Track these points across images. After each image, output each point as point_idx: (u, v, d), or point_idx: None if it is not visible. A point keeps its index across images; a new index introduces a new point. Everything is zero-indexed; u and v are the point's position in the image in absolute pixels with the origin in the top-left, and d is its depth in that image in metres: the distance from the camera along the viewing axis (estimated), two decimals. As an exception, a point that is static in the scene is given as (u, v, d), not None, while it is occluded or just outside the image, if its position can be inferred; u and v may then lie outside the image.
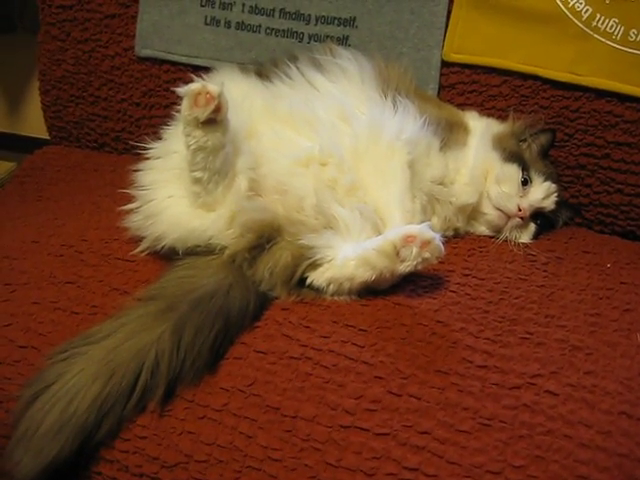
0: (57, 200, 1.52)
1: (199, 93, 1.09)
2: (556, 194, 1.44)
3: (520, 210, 1.38)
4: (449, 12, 1.56)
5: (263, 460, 0.94)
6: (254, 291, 1.12)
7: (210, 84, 1.10)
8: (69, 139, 1.87)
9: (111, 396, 0.97)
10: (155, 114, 1.75)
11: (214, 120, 1.11)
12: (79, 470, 1.00)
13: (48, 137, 1.93)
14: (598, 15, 1.47)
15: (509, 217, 1.39)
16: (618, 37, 1.47)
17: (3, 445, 1.00)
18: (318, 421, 0.95)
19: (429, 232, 1.07)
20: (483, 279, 1.21)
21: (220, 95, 1.10)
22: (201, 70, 1.45)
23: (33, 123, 2.33)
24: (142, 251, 1.24)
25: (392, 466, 0.90)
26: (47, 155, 1.79)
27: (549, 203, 1.44)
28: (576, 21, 1.49)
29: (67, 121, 1.84)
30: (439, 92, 1.59)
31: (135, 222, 1.24)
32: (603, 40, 1.48)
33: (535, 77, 1.54)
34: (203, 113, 1.09)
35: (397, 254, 1.08)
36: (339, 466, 0.92)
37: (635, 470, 0.86)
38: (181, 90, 1.11)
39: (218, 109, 1.10)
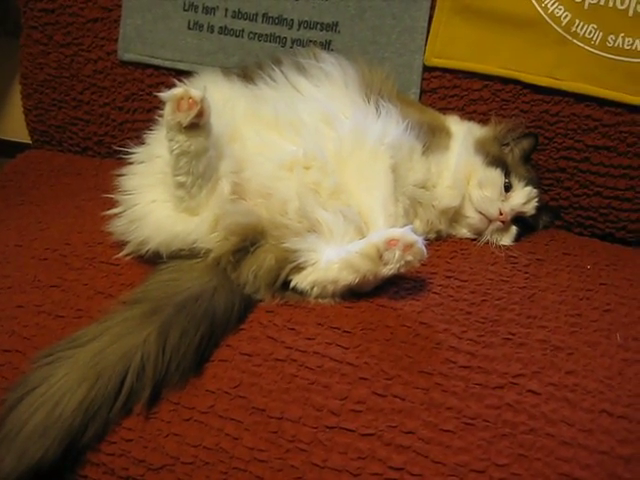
0: (40, 204, 1.52)
1: (182, 98, 1.09)
2: (537, 199, 1.46)
3: (502, 214, 1.40)
4: (430, 17, 1.58)
5: (249, 461, 0.95)
6: (239, 294, 1.12)
7: (192, 89, 1.11)
8: (51, 143, 1.86)
9: (97, 399, 0.97)
10: (138, 118, 1.75)
11: (197, 125, 1.12)
12: (65, 473, 1.00)
13: (30, 141, 1.92)
14: (577, 21, 1.49)
15: (490, 221, 1.41)
16: (597, 42, 1.49)
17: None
18: (304, 422, 0.96)
19: (412, 235, 1.08)
20: (465, 281, 1.22)
21: (203, 100, 1.10)
22: (184, 74, 1.45)
23: (14, 127, 2.32)
24: (126, 255, 1.23)
25: (377, 466, 0.91)
26: (29, 159, 1.79)
27: (530, 208, 1.45)
28: (555, 26, 1.51)
29: (49, 125, 1.83)
30: (421, 96, 1.61)
31: (119, 226, 1.24)
32: (582, 45, 1.50)
33: (515, 82, 1.56)
34: (186, 118, 1.10)
35: (380, 257, 1.09)
36: (325, 466, 0.92)
37: (616, 467, 0.87)
38: (164, 95, 1.11)
39: (201, 114, 1.11)
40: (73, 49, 1.76)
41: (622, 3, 1.46)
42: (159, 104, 1.16)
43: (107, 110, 1.78)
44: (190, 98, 1.09)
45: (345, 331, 1.07)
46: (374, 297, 1.16)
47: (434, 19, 1.58)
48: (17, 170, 1.73)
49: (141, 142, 1.31)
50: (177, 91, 1.09)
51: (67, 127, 1.82)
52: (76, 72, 1.77)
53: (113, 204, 1.26)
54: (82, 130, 1.81)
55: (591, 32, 1.49)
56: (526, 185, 1.44)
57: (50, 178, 1.68)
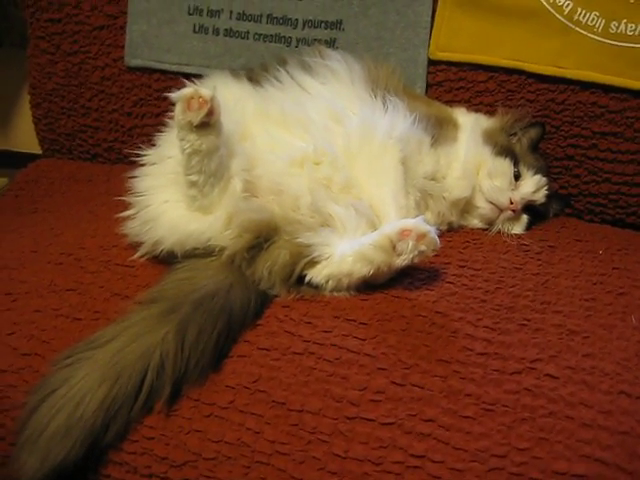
0: (53, 211, 1.53)
1: (192, 97, 1.11)
2: (546, 187, 1.47)
3: (512, 203, 1.40)
4: (434, 11, 1.59)
5: (271, 455, 0.95)
6: (254, 290, 1.13)
7: (202, 88, 1.12)
8: (61, 151, 1.87)
9: (118, 398, 0.98)
10: (147, 123, 1.76)
11: (207, 123, 1.13)
12: (87, 474, 1.00)
13: (38, 152, 1.94)
14: (579, 9, 1.50)
15: (501, 210, 1.41)
16: (599, 30, 1.50)
17: (10, 453, 1.00)
18: (324, 414, 0.96)
19: (424, 225, 1.09)
20: (479, 270, 1.23)
21: (213, 98, 1.11)
22: (191, 78, 1.46)
23: (23, 138, 2.33)
24: (141, 256, 1.24)
25: (399, 454, 0.91)
26: (40, 168, 1.80)
27: (540, 196, 1.46)
28: (558, 16, 1.51)
29: (59, 133, 1.85)
30: (427, 90, 1.62)
31: (133, 228, 1.25)
32: (585, 33, 1.51)
33: (520, 72, 1.57)
34: (196, 117, 1.11)
35: (394, 248, 1.09)
36: (347, 457, 0.92)
37: (637, 447, 0.87)
38: (174, 95, 1.12)
39: (211, 112, 1.12)
40: (80, 57, 1.77)
41: (623, -10, 1.47)
42: (167, 108, 1.17)
43: (116, 116, 1.79)
44: (200, 97, 1.10)
45: (361, 323, 1.08)
46: (389, 288, 1.16)
47: (437, 13, 1.59)
48: (29, 179, 1.74)
49: (151, 145, 1.32)
50: (187, 91, 1.11)
51: (77, 135, 1.83)
52: (84, 80, 1.78)
53: (126, 207, 1.27)
54: (92, 137, 1.83)
55: (593, 20, 1.50)
56: (535, 174, 1.44)
57: (62, 185, 1.69)
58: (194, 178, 1.16)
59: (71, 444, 0.95)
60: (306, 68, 1.42)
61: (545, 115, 1.57)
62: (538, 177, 1.45)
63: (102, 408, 0.97)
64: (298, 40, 1.64)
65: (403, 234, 1.08)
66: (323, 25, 1.62)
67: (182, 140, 1.14)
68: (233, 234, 1.17)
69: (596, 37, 1.50)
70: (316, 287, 1.16)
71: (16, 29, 2.13)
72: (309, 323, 1.08)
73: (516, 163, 1.43)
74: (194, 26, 1.68)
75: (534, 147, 1.51)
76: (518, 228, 1.44)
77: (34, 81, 1.83)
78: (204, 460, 0.97)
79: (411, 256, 1.09)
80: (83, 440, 0.96)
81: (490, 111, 1.56)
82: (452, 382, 0.97)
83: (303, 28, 1.63)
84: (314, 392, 0.98)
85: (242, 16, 1.65)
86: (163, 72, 1.73)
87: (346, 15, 1.62)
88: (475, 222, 1.45)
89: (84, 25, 1.74)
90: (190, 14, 1.68)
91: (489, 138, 1.44)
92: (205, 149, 1.14)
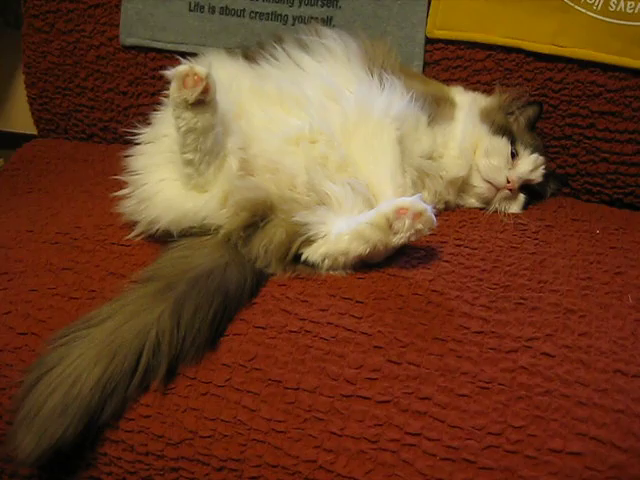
0: (49, 191, 1.52)
1: (187, 75, 1.10)
2: (544, 166, 1.46)
3: (509, 182, 1.40)
4: (431, -11, 1.57)
5: (267, 432, 0.95)
6: (250, 268, 1.13)
7: (198, 65, 1.11)
8: (57, 131, 1.87)
9: (114, 377, 0.98)
10: (142, 102, 1.75)
11: (203, 101, 1.12)
12: (84, 452, 1.01)
13: (33, 132, 1.93)
14: (578, -14, 1.49)
15: (498, 189, 1.41)
16: (598, 7, 1.49)
17: (7, 432, 1.00)
18: (320, 392, 0.96)
19: (421, 204, 1.08)
20: (475, 249, 1.23)
21: (208, 76, 1.11)
22: (187, 56, 1.45)
23: (18, 119, 2.32)
24: (137, 235, 1.24)
25: (395, 432, 0.92)
26: (36, 148, 1.79)
27: (537, 175, 1.45)
28: (557, -7, 1.50)
29: (54, 113, 1.84)
30: (424, 69, 1.61)
31: (128, 207, 1.25)
32: (584, 11, 1.50)
33: (518, 50, 1.56)
34: (192, 94, 1.10)
35: (390, 227, 1.09)
36: (343, 435, 0.93)
37: (632, 424, 0.88)
38: (169, 72, 1.12)
39: (206, 90, 1.11)
40: (75, 36, 1.76)
41: (623, -33, 1.46)
42: (163, 87, 1.17)
43: (111, 96, 1.78)
44: (195, 75, 1.10)
45: (358, 301, 1.08)
46: (385, 267, 1.16)
47: (435, -9, 1.57)
48: (24, 159, 1.73)
49: (147, 124, 1.31)
50: (182, 68, 1.10)
51: (72, 114, 1.82)
52: (79, 59, 1.77)
53: (122, 186, 1.27)
54: (87, 117, 1.82)
55: (593, -3, 1.49)
56: (532, 153, 1.44)
57: (57, 165, 1.68)
58: (190, 156, 1.16)
59: (67, 422, 0.95)
60: (302, 46, 1.41)
61: (543, 94, 1.56)
62: (535, 156, 1.44)
63: (98, 386, 0.97)
64: (294, 18, 1.63)
65: (400, 212, 1.08)
66: (319, 3, 1.61)
67: (177, 118, 1.14)
68: (229, 213, 1.17)
69: (595, 15, 1.49)
70: (312, 266, 1.16)
71: (10, 8, 2.11)
72: (305, 301, 1.08)
73: (513, 142, 1.43)
74: (190, 4, 1.66)
75: (531, 126, 1.51)
76: (515, 207, 1.44)
77: (29, 60, 1.81)
78: (200, 438, 0.98)
79: (408, 235, 1.09)
80: (80, 418, 0.96)
81: (487, 90, 1.56)
82: (448, 360, 0.97)
83: (300, 6, 1.62)
84: (310, 370, 0.98)
85: (238, -6, 1.64)
86: (159, 51, 1.72)
87: (343, -8, 1.60)
88: (472, 201, 1.45)
89: (79, 3, 1.73)
90: (185, -8, 1.66)
91: (486, 117, 1.44)
92: (200, 127, 1.14)
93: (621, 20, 1.48)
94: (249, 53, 1.43)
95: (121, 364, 0.99)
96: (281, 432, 0.95)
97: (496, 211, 1.41)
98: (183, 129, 1.14)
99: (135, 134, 1.29)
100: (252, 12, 1.64)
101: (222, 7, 1.65)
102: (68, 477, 1.03)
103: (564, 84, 1.55)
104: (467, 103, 1.46)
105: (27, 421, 0.96)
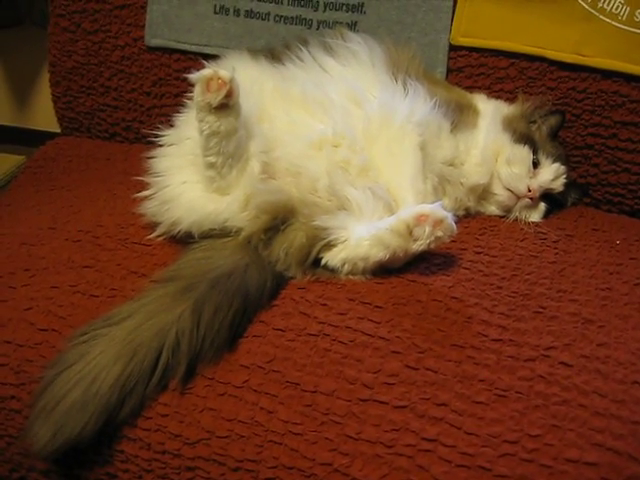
0: (71, 189, 1.53)
1: (211, 79, 1.11)
2: (565, 175, 1.46)
3: (530, 191, 1.40)
4: (456, -4, 1.58)
5: (284, 434, 0.96)
6: (270, 271, 1.13)
7: (222, 70, 1.11)
8: (80, 130, 1.88)
9: (133, 375, 0.99)
10: (165, 103, 1.76)
11: (226, 105, 1.13)
12: (102, 449, 1.02)
13: (56, 130, 1.94)
14: (604, -4, 1.49)
15: (519, 198, 1.41)
16: (624, 17, 1.48)
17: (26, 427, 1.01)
18: (337, 395, 0.97)
19: (441, 211, 1.09)
20: (495, 256, 1.23)
21: (232, 80, 1.11)
22: (211, 58, 1.46)
23: (41, 116, 2.35)
24: (158, 236, 1.25)
25: (411, 437, 0.92)
26: (59, 146, 1.80)
27: (558, 184, 1.45)
28: (582, 2, 1.50)
29: (78, 112, 1.85)
30: (447, 75, 1.61)
31: (151, 208, 1.25)
32: (609, 21, 1.49)
33: (542, 59, 1.55)
34: (215, 98, 1.11)
35: (410, 233, 1.09)
36: (359, 438, 0.93)
37: (650, 436, 0.88)
38: (193, 76, 1.12)
39: (230, 94, 1.12)
40: (100, 36, 1.77)
41: (649, -23, 1.45)
42: (186, 89, 1.17)
43: (135, 96, 1.79)
44: (219, 79, 1.10)
45: (377, 306, 1.08)
46: (405, 273, 1.16)
47: (459, -2, 1.58)
48: (47, 157, 1.74)
49: (170, 125, 1.32)
50: (206, 72, 1.11)
51: (95, 113, 1.84)
52: (104, 59, 1.78)
53: (144, 187, 1.27)
54: (110, 116, 1.83)
55: (618, 7, 1.48)
56: (554, 162, 1.44)
57: (80, 164, 1.69)
58: (212, 159, 1.16)
59: (86, 419, 0.96)
60: (327, 49, 1.41)
61: (566, 103, 1.56)
62: (557, 165, 1.44)
63: (117, 385, 0.98)
64: (319, 22, 1.63)
65: (420, 219, 1.08)
66: (344, 8, 1.61)
67: (201, 121, 1.14)
68: (250, 215, 1.17)
69: (620, 25, 1.49)
70: (332, 270, 1.17)
71: (37, 7, 2.14)
72: (324, 305, 1.09)
73: (535, 151, 1.43)
74: (215, 6, 1.67)
75: (553, 135, 1.50)
76: (535, 216, 1.43)
77: (54, 59, 1.82)
78: (217, 438, 0.98)
79: (427, 242, 1.09)
80: (98, 415, 0.97)
81: (510, 98, 1.56)
82: (466, 367, 0.97)
83: (324, 10, 1.62)
84: (328, 373, 0.99)
85: (263, -3, 1.65)
86: (183, 52, 1.72)
87: (368, -2, 1.61)
88: (492, 209, 1.45)
89: (105, 4, 1.74)
90: (211, -6, 1.67)
91: (509, 125, 1.44)
92: (224, 130, 1.14)
93: (646, 31, 1.47)
94: (274, 53, 1.43)
95: (140, 363, 0.99)
96: (298, 434, 0.95)
97: (516, 219, 1.40)
98: (206, 132, 1.14)
99: (158, 135, 1.30)
100: (277, 16, 1.65)
101: (247, 10, 1.66)
102: (85, 473, 1.03)
103: (587, 93, 1.54)
104: (490, 111, 1.46)
105: (44, 414, 0.97)
